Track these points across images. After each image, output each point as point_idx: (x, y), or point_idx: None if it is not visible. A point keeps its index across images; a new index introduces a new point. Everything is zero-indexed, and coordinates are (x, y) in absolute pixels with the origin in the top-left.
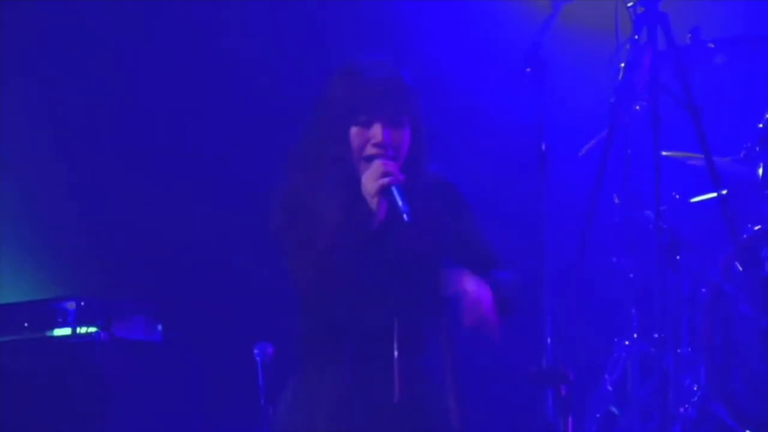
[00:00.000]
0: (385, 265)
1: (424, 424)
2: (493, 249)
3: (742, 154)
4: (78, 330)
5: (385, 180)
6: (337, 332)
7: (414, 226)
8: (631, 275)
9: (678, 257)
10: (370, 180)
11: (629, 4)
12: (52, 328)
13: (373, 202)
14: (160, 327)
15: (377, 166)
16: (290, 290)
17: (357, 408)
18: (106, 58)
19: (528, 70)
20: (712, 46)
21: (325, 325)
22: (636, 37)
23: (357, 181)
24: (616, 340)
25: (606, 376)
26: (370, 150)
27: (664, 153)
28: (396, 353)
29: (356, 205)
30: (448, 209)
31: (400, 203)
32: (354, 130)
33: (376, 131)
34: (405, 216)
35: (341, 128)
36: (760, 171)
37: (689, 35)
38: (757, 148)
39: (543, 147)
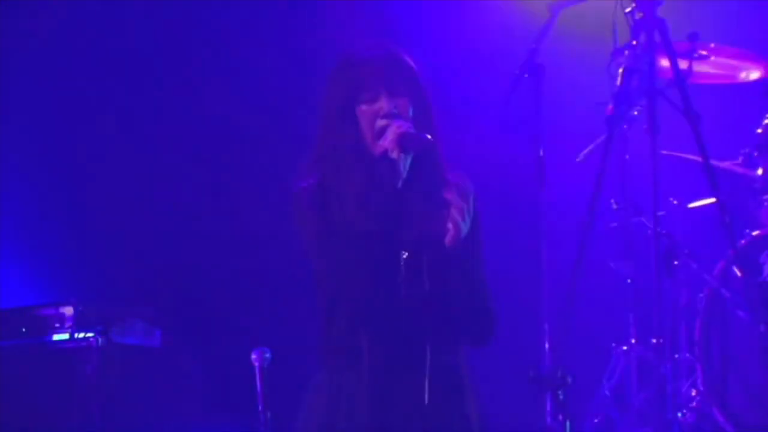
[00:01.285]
0: (407, 228)
1: (448, 423)
2: (485, 278)
3: (740, 160)
4: (76, 335)
5: (402, 129)
6: (361, 327)
7: (435, 193)
8: (629, 280)
9: (675, 263)
10: (388, 135)
11: (627, 10)
12: (50, 334)
13: (394, 155)
14: (158, 332)
15: (393, 125)
16: (312, 288)
17: (381, 406)
18: (106, 65)
19: (525, 75)
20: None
21: (348, 319)
22: (634, 42)
23: (373, 158)
24: (613, 345)
25: (604, 381)
26: (380, 122)
27: (663, 152)
28: (426, 349)
29: (378, 178)
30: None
31: (420, 136)
32: (361, 109)
33: (383, 103)
34: (429, 138)
35: (349, 110)
36: (759, 176)
37: (687, 40)
38: (755, 154)
39: (540, 152)
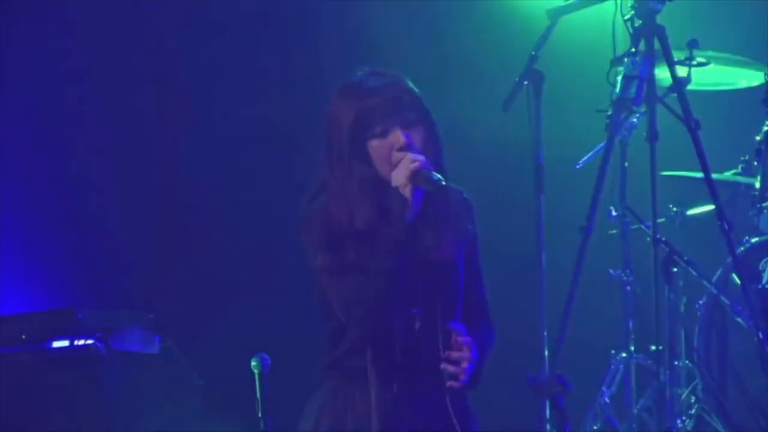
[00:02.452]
0: (420, 262)
1: None
2: (486, 296)
3: (739, 168)
4: (76, 342)
5: (415, 164)
6: (371, 346)
7: (447, 225)
8: (628, 288)
9: (675, 270)
10: (401, 170)
11: (626, 17)
12: (50, 341)
13: (406, 191)
14: (157, 339)
15: (405, 158)
16: (319, 308)
17: (389, 422)
18: (107, 68)
19: (525, 82)
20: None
21: (359, 340)
22: (633, 49)
23: (387, 192)
24: (613, 352)
25: (603, 389)
26: (396, 156)
27: (663, 173)
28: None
29: (389, 212)
30: (467, 230)
31: (432, 177)
32: (374, 144)
33: (397, 136)
34: (441, 181)
35: (360, 146)
36: (757, 184)
37: (686, 48)
38: (755, 162)
39: (540, 160)
